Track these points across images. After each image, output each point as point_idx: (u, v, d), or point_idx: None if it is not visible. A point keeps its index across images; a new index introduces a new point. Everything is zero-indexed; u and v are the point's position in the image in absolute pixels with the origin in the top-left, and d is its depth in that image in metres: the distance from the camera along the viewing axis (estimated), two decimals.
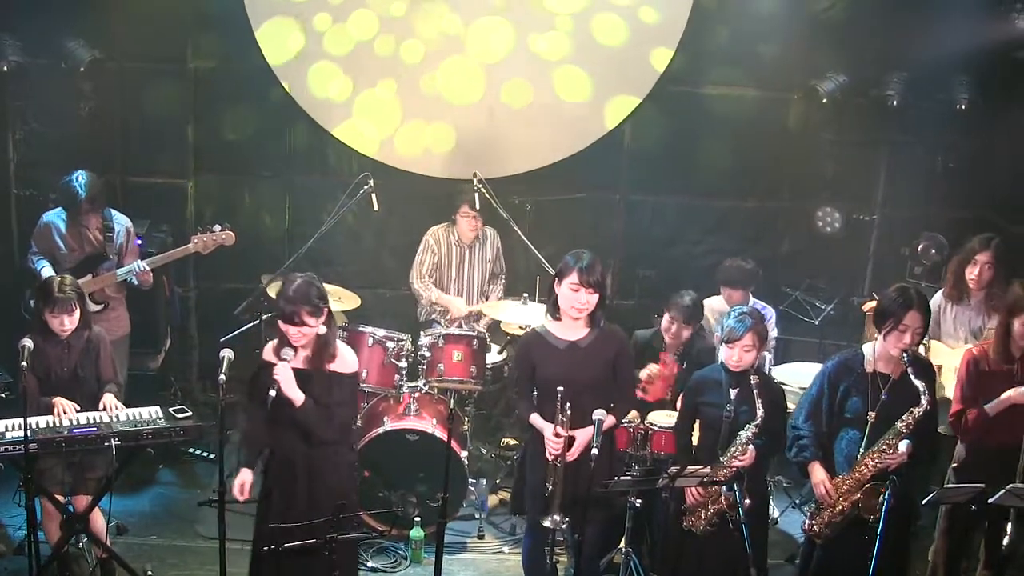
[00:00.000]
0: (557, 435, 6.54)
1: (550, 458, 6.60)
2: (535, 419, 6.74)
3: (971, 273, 7.92)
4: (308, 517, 6.24)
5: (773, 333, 8.73)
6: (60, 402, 6.99)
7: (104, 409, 7.07)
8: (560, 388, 6.47)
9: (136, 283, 8.48)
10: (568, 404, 6.46)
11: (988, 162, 9.84)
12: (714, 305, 8.65)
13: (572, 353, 6.68)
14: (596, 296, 6.57)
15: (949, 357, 7.67)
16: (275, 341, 6.52)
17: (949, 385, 7.22)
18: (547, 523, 6.54)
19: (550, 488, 6.60)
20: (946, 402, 7.07)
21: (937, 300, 8.02)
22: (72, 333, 7.15)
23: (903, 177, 10.31)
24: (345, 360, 6.55)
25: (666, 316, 7.96)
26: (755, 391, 6.45)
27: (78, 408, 7.02)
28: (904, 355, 6.34)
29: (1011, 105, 9.47)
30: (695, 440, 6.90)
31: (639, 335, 8.14)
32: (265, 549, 6.26)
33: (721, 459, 6.54)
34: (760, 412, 6.43)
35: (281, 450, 6.56)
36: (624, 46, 10.27)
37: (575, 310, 6.59)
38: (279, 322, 6.38)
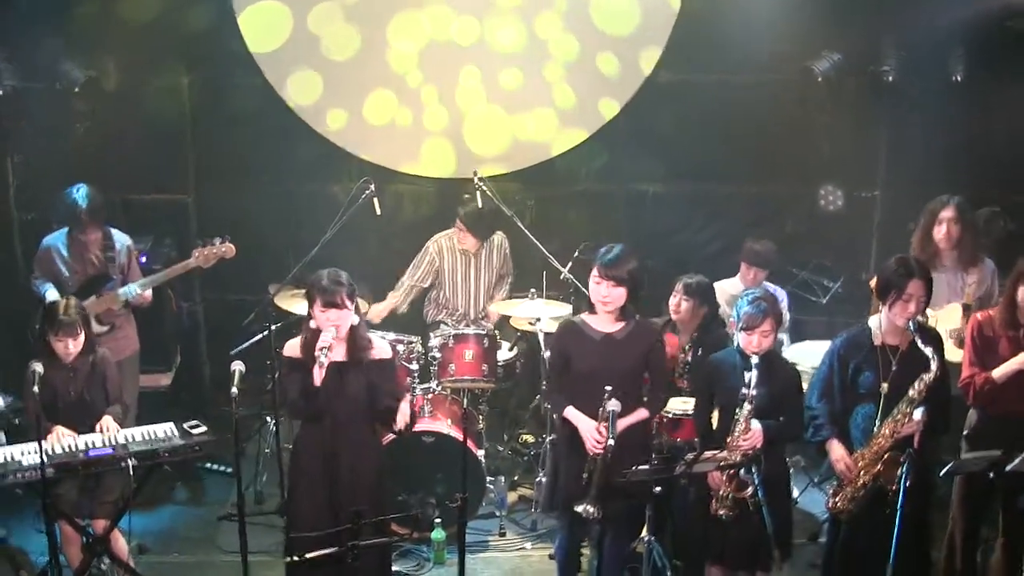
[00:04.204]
0: (599, 431, 6.50)
1: (591, 452, 6.58)
2: (571, 413, 6.73)
3: (939, 233, 7.96)
4: (351, 506, 6.27)
5: (786, 315, 8.74)
6: (58, 430, 6.98)
7: (100, 431, 7.05)
8: (608, 387, 6.44)
9: (134, 305, 8.48)
10: (612, 399, 6.42)
11: (987, 133, 9.80)
12: (726, 289, 8.64)
13: (607, 345, 6.68)
14: (621, 290, 6.57)
15: (940, 323, 7.66)
16: (300, 338, 6.62)
17: (948, 350, 7.19)
18: (579, 508, 6.50)
19: (586, 478, 6.58)
20: (954, 367, 7.05)
21: None
22: (77, 358, 7.16)
23: (903, 152, 10.28)
24: (381, 347, 6.77)
25: (672, 297, 7.94)
26: (754, 370, 6.44)
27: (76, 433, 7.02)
28: (910, 324, 6.35)
29: (1008, 75, 9.44)
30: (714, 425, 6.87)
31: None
32: (288, 560, 6.29)
33: (728, 441, 6.53)
34: (752, 391, 6.40)
35: (320, 443, 6.67)
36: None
37: (600, 303, 6.63)
38: (316, 310, 6.50)
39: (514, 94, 10.44)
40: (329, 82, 10.32)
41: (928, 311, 7.42)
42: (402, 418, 6.80)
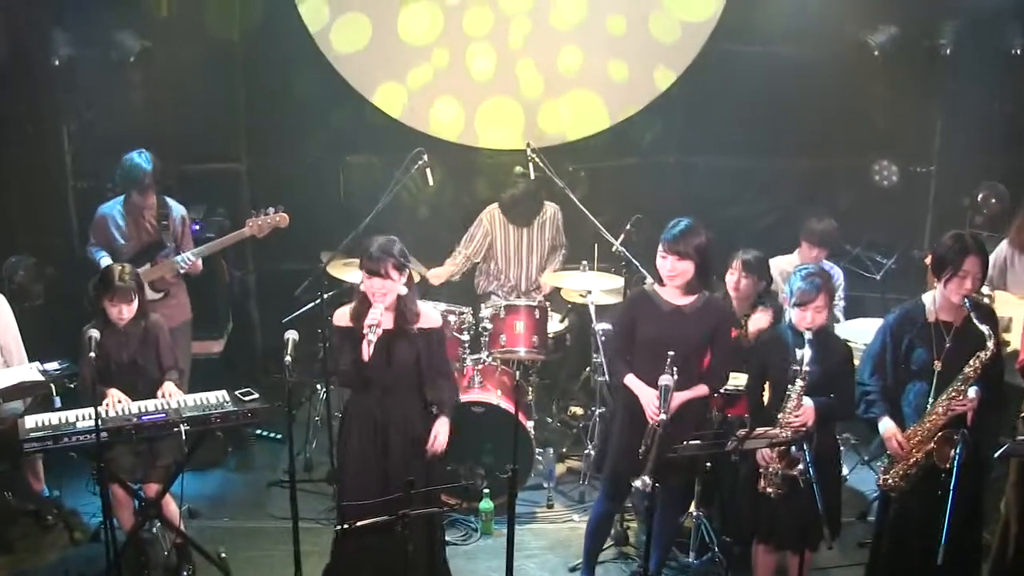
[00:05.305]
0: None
1: (651, 421, 6.54)
2: (631, 381, 6.71)
3: None
4: (400, 475, 6.31)
5: (841, 296, 8.65)
6: (113, 393, 7.06)
7: (164, 397, 7.13)
8: (671, 353, 6.38)
9: (185, 272, 8.54)
10: (676, 369, 6.39)
11: None
12: (781, 265, 8.58)
13: (675, 317, 6.66)
14: (686, 264, 6.54)
15: (1018, 308, 7.57)
16: (350, 306, 6.61)
17: (1018, 336, 7.13)
18: (637, 483, 6.42)
19: (643, 451, 6.54)
20: (1014, 354, 6.99)
21: (1002, 250, 7.94)
22: (130, 322, 7.24)
23: (960, 127, 10.15)
24: (430, 316, 6.71)
25: (729, 273, 7.90)
26: (807, 347, 6.38)
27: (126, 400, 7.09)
28: (966, 301, 6.28)
29: None
30: (765, 401, 6.83)
31: None
32: (338, 528, 6.33)
33: (779, 418, 6.49)
34: (806, 367, 6.35)
35: (369, 412, 6.64)
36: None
37: (667, 277, 6.61)
38: (363, 278, 6.47)
39: (568, 70, 10.48)
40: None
41: (985, 289, 7.37)
42: (438, 439, 6.72)
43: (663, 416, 6.25)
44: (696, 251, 6.54)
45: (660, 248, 6.61)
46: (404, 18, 10.25)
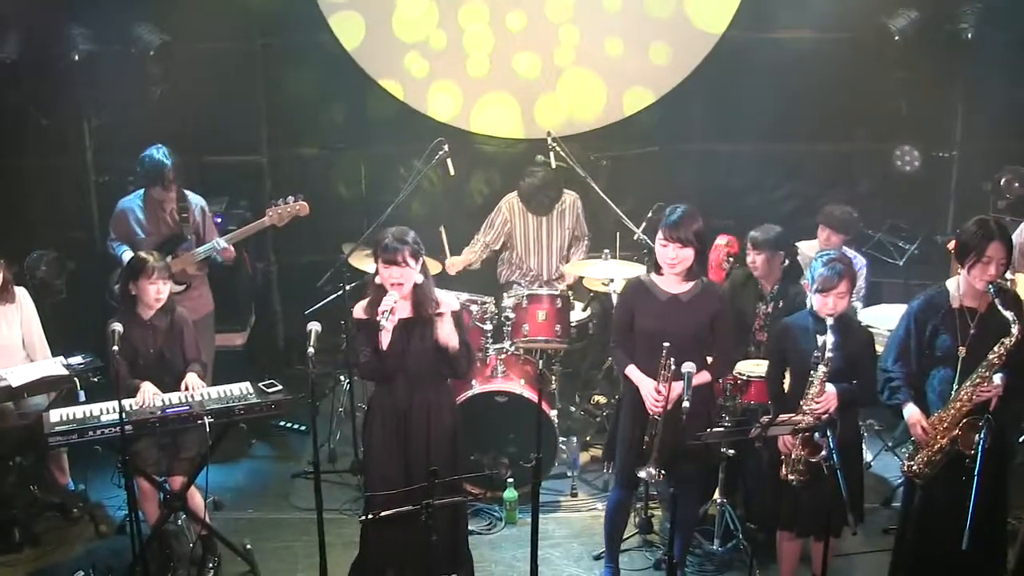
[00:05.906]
0: (659, 391, 6.50)
1: (651, 412, 6.57)
2: (632, 372, 6.71)
3: None
4: (424, 465, 6.31)
5: (862, 283, 8.62)
6: (147, 386, 7.06)
7: (187, 389, 7.15)
8: (666, 344, 6.41)
9: (220, 260, 8.54)
10: (672, 359, 6.40)
11: None
12: (805, 251, 8.56)
13: (673, 306, 6.64)
14: (688, 251, 6.52)
15: None
16: (366, 300, 6.61)
17: None
18: (642, 474, 6.51)
19: (647, 440, 6.57)
20: None
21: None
22: (155, 314, 7.25)
23: (981, 111, 10.14)
24: (447, 302, 6.68)
25: (747, 255, 7.92)
26: (830, 333, 6.36)
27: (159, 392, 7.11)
28: (990, 287, 6.24)
29: None
30: (786, 388, 6.82)
31: (735, 274, 8.21)
32: (363, 518, 6.33)
33: (802, 404, 6.48)
34: (829, 353, 6.32)
35: (393, 403, 6.65)
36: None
37: (667, 265, 6.59)
38: (379, 267, 6.48)
39: (581, 56, 10.48)
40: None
41: (1008, 274, 7.32)
42: (445, 332, 6.60)
43: (686, 403, 6.25)
44: (696, 237, 6.55)
45: (660, 236, 6.59)
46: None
